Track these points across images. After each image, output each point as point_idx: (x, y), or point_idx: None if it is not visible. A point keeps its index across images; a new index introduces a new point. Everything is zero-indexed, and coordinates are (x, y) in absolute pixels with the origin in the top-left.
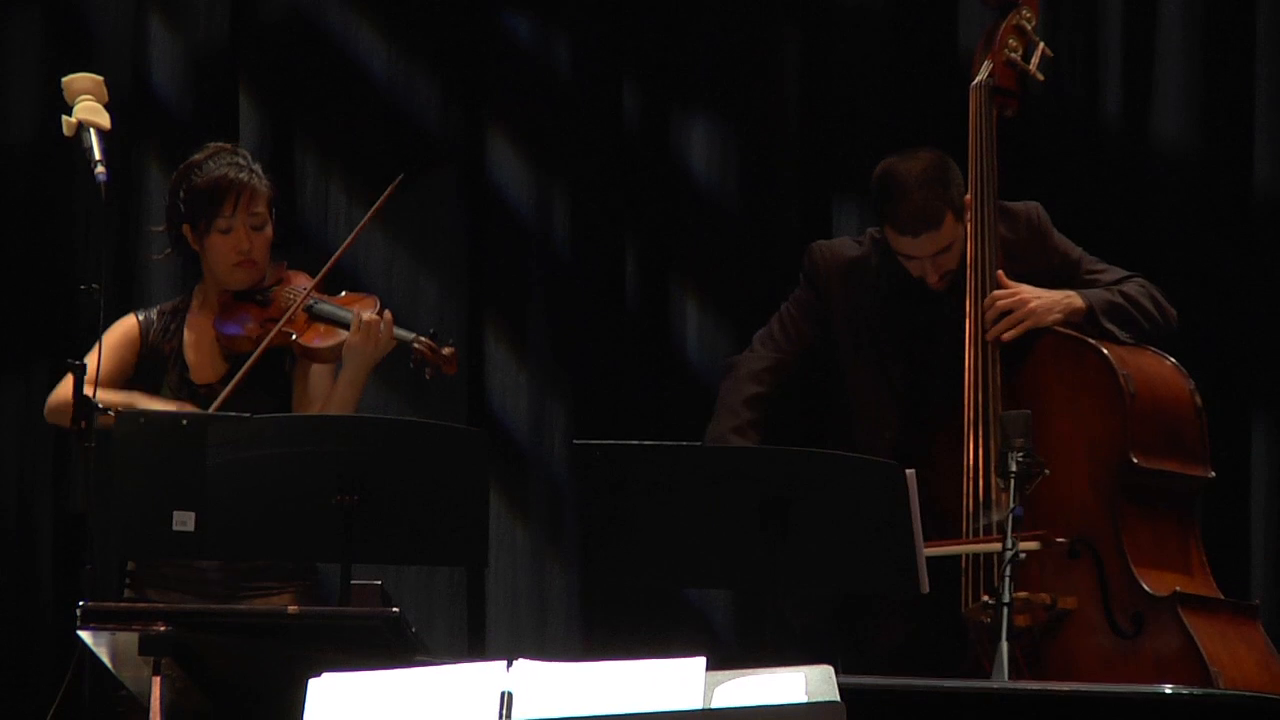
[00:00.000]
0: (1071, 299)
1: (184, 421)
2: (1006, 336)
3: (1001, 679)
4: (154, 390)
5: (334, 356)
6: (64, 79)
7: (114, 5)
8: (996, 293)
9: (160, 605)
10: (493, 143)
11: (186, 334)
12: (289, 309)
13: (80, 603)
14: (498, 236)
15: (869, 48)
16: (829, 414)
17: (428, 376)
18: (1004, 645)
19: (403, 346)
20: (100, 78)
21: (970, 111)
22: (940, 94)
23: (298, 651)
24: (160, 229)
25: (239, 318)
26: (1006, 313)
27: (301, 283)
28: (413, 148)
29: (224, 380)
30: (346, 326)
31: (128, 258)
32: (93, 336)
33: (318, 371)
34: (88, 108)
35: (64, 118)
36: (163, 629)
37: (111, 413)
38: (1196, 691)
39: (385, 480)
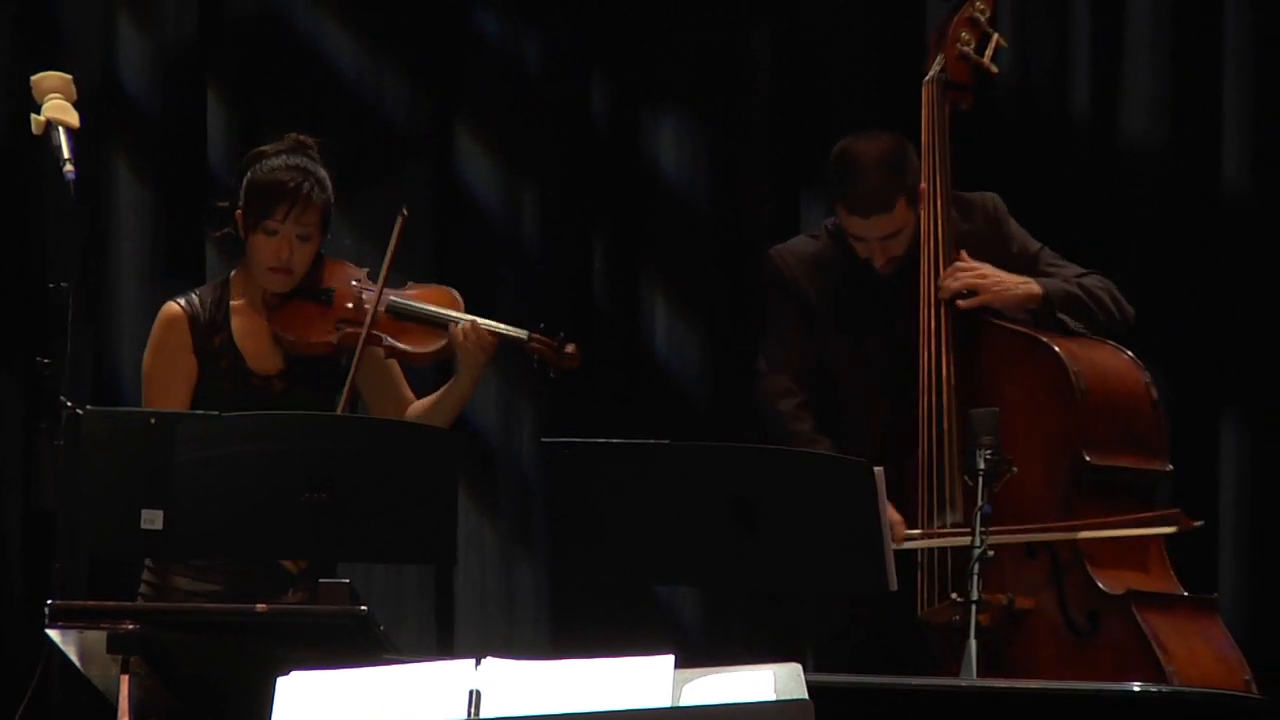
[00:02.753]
0: (1030, 285)
1: (152, 419)
2: (960, 300)
3: (970, 676)
4: (206, 379)
5: (435, 360)
6: (32, 77)
7: (83, 3)
8: (961, 264)
9: (128, 604)
10: (461, 140)
11: (235, 323)
12: (358, 307)
13: (48, 601)
14: (466, 234)
15: (839, 44)
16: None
17: (551, 375)
18: (972, 643)
19: (514, 345)
20: (69, 76)
21: (923, 107)
22: (910, 90)
23: (266, 649)
24: (224, 205)
25: (302, 319)
26: (971, 286)
27: (351, 274)
28: (381, 145)
29: (283, 375)
30: (436, 324)
31: (97, 256)
32: (62, 335)
33: (396, 370)
34: (56, 106)
35: (32, 116)
36: (131, 627)
37: (80, 411)
38: (1165, 689)
39: (354, 478)
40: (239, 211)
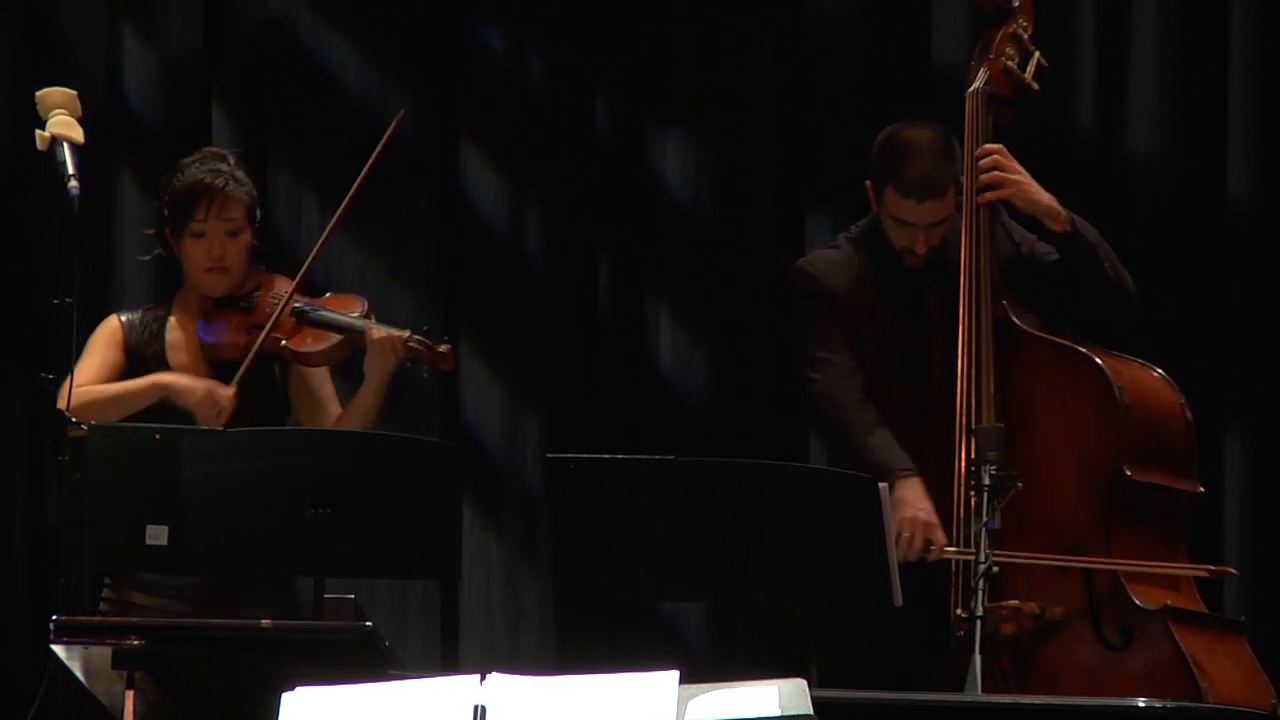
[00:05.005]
0: (1057, 204)
1: (157, 435)
2: (987, 196)
3: (974, 692)
4: None
5: (326, 360)
6: (37, 93)
7: (88, 19)
8: (1000, 154)
9: (133, 619)
10: (466, 154)
11: (168, 336)
12: (273, 314)
13: (54, 616)
14: (471, 248)
15: (843, 60)
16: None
17: (426, 375)
18: (976, 658)
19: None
20: (73, 91)
21: (966, 118)
22: (914, 106)
23: (271, 665)
24: (151, 232)
25: (222, 325)
26: (997, 179)
27: (283, 287)
28: (385, 160)
29: None
30: (337, 330)
31: (101, 271)
32: (66, 350)
33: (318, 376)
34: (61, 122)
35: (37, 131)
36: (136, 643)
37: (85, 427)
38: (1170, 705)
39: (358, 494)
40: (167, 228)
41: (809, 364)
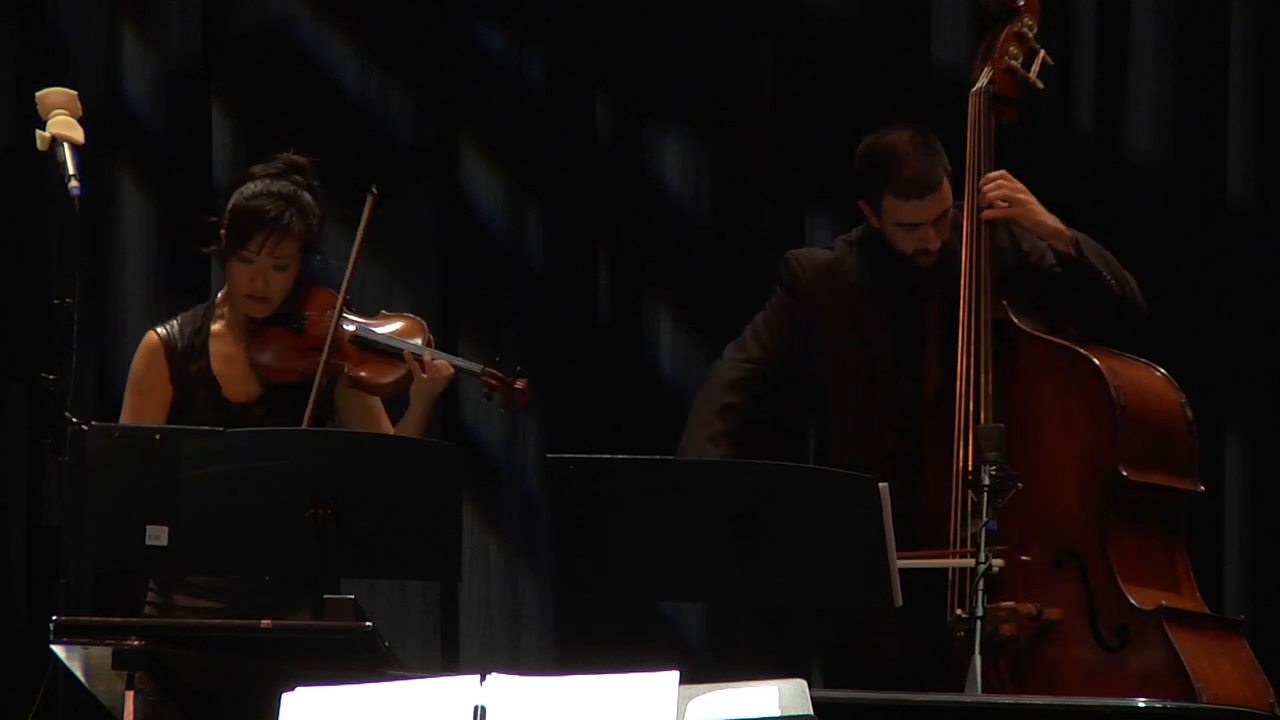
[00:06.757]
0: (1061, 224)
1: (157, 435)
2: (990, 214)
3: (974, 692)
4: (184, 407)
5: (395, 390)
6: (37, 93)
7: (87, 19)
8: (1004, 177)
9: (134, 620)
10: (466, 156)
11: (213, 348)
12: (327, 335)
13: (54, 617)
14: (471, 249)
15: (843, 60)
16: (805, 433)
17: (503, 409)
18: (976, 659)
19: (468, 377)
20: (74, 92)
21: (969, 118)
22: (914, 106)
23: (271, 665)
24: (214, 220)
25: (275, 346)
26: (1003, 198)
27: (328, 302)
28: (385, 161)
29: (261, 401)
30: (398, 356)
31: (101, 272)
32: (66, 350)
33: (375, 402)
34: (61, 122)
35: (37, 132)
36: (136, 643)
37: (84, 427)
38: (1170, 705)
39: (359, 494)
40: (223, 231)
41: (737, 338)
